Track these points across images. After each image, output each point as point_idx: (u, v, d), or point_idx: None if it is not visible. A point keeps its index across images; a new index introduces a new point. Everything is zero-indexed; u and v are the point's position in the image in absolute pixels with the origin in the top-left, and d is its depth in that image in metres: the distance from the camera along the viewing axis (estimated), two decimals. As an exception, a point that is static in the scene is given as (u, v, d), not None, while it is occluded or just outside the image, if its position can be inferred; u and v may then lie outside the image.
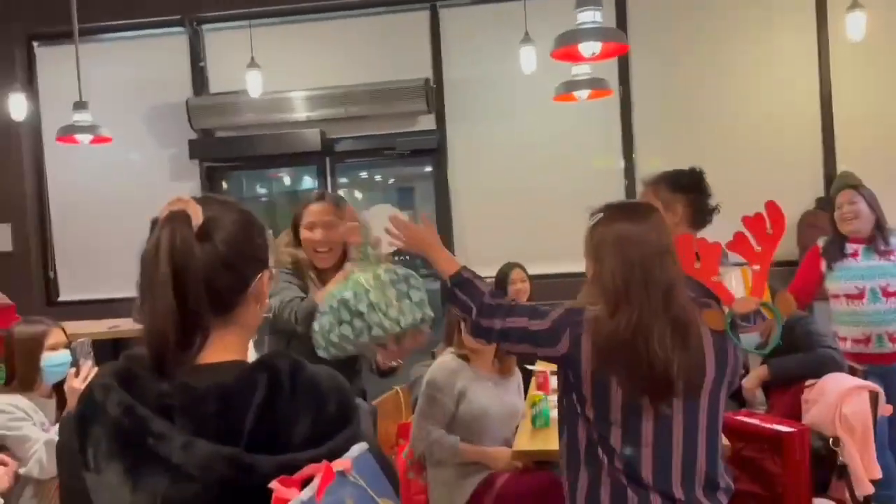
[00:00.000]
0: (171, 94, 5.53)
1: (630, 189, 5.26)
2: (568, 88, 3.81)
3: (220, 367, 1.01)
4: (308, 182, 5.98)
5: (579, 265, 5.87)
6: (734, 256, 1.85)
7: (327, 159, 5.61)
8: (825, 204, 4.68)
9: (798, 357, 2.97)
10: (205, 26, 5.59)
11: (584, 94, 3.79)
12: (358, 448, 1.00)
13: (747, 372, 3.11)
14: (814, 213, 4.86)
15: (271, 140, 5.40)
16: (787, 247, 4.92)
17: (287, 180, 6.36)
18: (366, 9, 5.46)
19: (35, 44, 5.73)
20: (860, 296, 3.19)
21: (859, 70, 5.04)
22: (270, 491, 0.89)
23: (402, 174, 6.21)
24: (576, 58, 3.10)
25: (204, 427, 0.94)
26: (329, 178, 5.67)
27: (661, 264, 1.64)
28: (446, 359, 2.83)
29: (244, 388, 0.96)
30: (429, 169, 5.66)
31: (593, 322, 1.67)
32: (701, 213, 2.20)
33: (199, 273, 0.99)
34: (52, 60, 5.65)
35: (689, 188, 2.25)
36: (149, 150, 5.64)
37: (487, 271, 4.60)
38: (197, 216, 1.01)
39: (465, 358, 2.82)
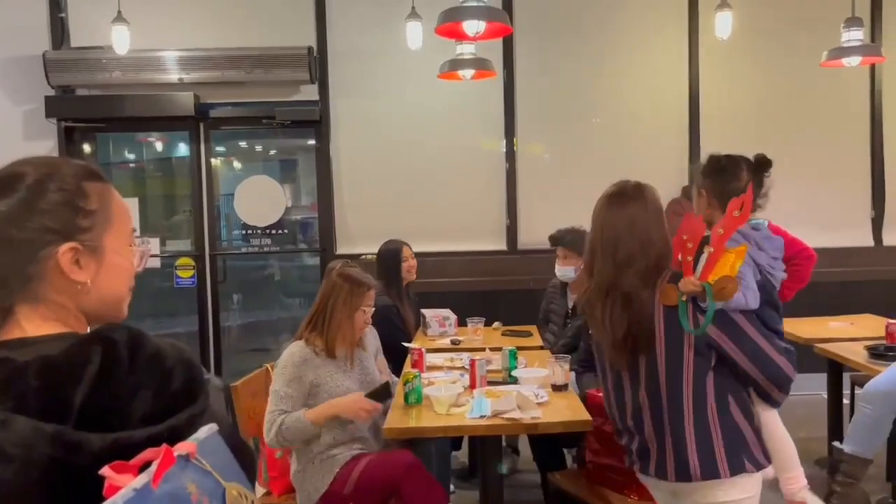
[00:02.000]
0: (26, 46, 5.07)
1: (511, 172, 5.36)
2: (452, 67, 3.80)
3: (48, 339, 0.93)
4: (182, 149, 5.66)
5: (458, 244, 5.94)
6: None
7: (201, 125, 5.34)
8: (689, 192, 4.95)
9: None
10: (67, -27, 5.15)
11: (468, 73, 3.80)
12: (206, 430, 0.93)
13: None
14: (678, 201, 5.13)
15: (140, 101, 5.07)
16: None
17: (159, 146, 6.00)
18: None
19: None
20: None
21: (725, 67, 5.35)
22: (103, 476, 0.82)
23: (285, 146, 6.01)
24: (460, 35, 3.10)
25: (24, 403, 0.85)
26: (203, 146, 5.40)
27: (620, 244, 1.93)
28: (295, 350, 2.69)
29: (74, 361, 0.88)
30: (312, 141, 5.51)
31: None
32: (722, 196, 2.30)
33: None
34: None
35: (708, 173, 2.43)
36: (-2, 105, 5.15)
37: (366, 247, 4.56)
38: None
39: (315, 348, 2.71)
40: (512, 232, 5.36)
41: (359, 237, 5.27)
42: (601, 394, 2.79)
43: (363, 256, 4.88)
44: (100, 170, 1.04)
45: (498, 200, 5.36)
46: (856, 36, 3.81)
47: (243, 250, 5.54)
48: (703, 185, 2.42)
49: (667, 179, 5.22)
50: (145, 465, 0.85)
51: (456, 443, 3.76)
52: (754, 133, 5.34)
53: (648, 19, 5.38)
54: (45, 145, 5.07)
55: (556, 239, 3.86)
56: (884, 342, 3.36)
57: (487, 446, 2.52)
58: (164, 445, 0.87)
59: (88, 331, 0.99)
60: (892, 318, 3.54)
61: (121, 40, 4.48)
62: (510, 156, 5.37)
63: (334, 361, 2.73)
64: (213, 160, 5.46)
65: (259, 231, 5.45)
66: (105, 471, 0.82)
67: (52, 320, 0.96)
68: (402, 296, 4.00)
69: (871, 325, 3.88)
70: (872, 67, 5.26)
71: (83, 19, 5.15)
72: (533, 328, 4.08)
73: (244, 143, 5.93)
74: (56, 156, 1.21)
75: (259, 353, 5.47)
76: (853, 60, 3.89)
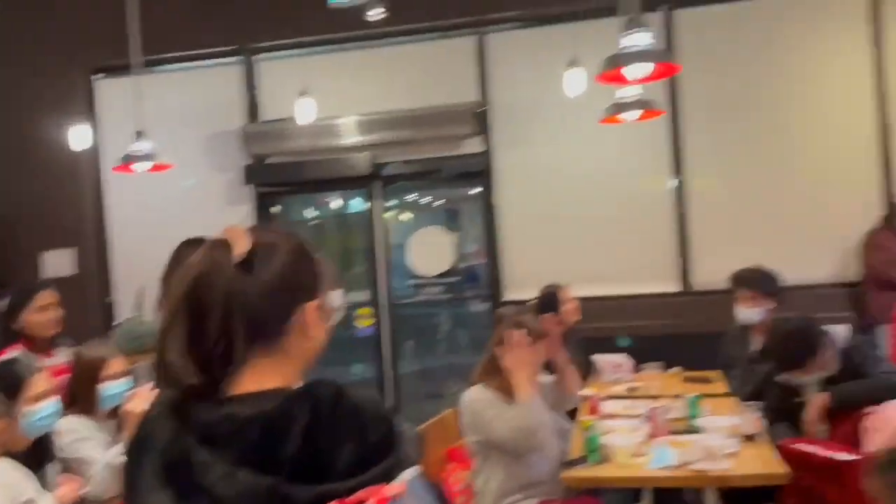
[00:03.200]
0: (226, 122, 5.69)
1: (681, 211, 5.19)
2: (616, 110, 3.79)
3: (264, 395, 1.02)
4: (357, 204, 6.06)
5: (625, 287, 5.84)
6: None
7: (376, 183, 5.68)
8: (893, 220, 4.52)
9: (863, 383, 2.86)
10: (259, 56, 5.74)
11: (633, 115, 3.77)
12: (411, 472, 1.00)
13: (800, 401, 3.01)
14: (879, 231, 4.65)
15: (322, 165, 5.50)
16: (850, 268, 4.74)
17: (337, 204, 6.45)
18: (414, 35, 5.54)
19: (96, 76, 5.95)
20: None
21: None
22: None
23: (450, 196, 6.24)
24: (623, 80, 3.09)
25: (246, 456, 0.95)
26: (377, 202, 5.73)
27: None
28: (478, 395, 2.81)
29: (286, 416, 0.97)
30: (476, 191, 5.69)
31: None
32: None
33: (238, 303, 1.01)
34: (112, 92, 5.87)
35: None
36: (205, 175, 5.78)
37: (533, 293, 4.58)
38: (242, 245, 1.03)
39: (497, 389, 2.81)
40: (685, 272, 5.17)
41: (526, 283, 5.31)
42: (797, 445, 2.61)
43: (530, 302, 4.91)
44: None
45: (669, 241, 5.20)
46: None
47: (415, 299, 5.75)
48: None
49: (859, 208, 4.81)
50: (359, 505, 0.93)
51: (635, 495, 3.62)
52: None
53: (825, 37, 5.04)
54: (244, 209, 5.63)
55: (742, 279, 3.67)
56: None
57: (672, 499, 2.42)
58: (379, 486, 0.95)
59: (297, 385, 1.06)
60: None
61: (305, 111, 4.93)
62: (680, 194, 5.22)
63: (513, 405, 2.78)
64: (385, 214, 5.78)
65: (429, 280, 5.65)
66: (325, 511, 0.91)
67: (276, 374, 1.05)
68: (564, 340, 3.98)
69: None
70: None
71: (273, 94, 5.71)
72: (715, 374, 3.89)
73: (412, 196, 6.22)
74: (279, 228, 1.34)
75: (435, 399, 5.62)
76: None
